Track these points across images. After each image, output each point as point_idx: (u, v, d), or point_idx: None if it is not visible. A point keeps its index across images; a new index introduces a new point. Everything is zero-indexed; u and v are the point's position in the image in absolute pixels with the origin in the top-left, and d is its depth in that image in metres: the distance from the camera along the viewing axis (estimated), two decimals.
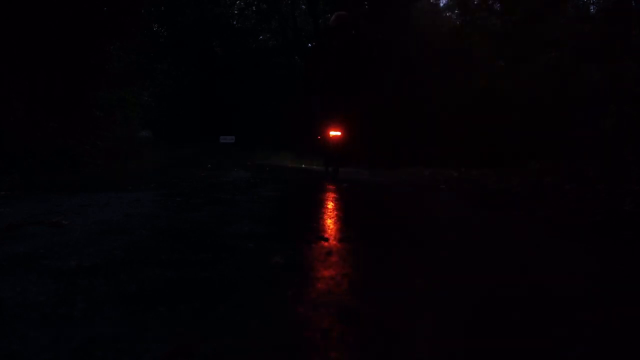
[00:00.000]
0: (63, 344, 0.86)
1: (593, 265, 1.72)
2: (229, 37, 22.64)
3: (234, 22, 24.52)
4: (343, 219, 2.62)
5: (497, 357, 0.90)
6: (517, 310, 1.15)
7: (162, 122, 25.79)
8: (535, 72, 11.13)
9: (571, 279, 1.51)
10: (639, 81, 6.45)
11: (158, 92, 26.31)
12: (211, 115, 23.95)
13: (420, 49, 17.25)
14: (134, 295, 1.15)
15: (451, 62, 15.39)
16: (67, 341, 0.87)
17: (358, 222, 2.74)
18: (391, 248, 1.92)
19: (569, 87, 9.36)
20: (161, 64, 23.94)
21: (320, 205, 3.31)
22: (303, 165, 12.34)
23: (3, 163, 5.26)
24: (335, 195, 4.03)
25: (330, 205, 3.31)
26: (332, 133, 5.63)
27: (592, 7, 11.52)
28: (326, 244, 1.86)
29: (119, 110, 10.48)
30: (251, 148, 17.72)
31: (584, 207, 3.00)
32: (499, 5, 13.56)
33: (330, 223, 2.45)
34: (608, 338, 1.00)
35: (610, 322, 1.09)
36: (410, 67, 17.21)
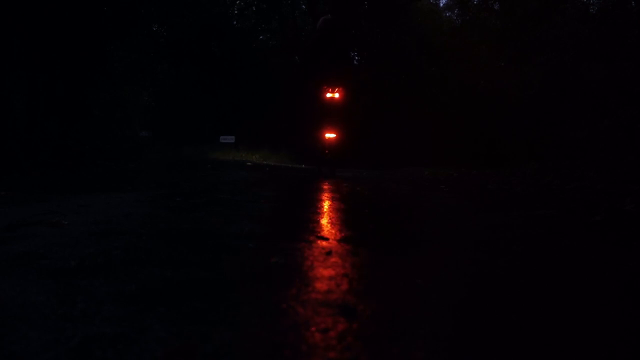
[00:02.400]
0: (63, 344, 0.86)
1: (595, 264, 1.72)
2: (229, 37, 22.61)
3: (234, 22, 24.48)
4: (343, 219, 2.62)
5: None
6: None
7: (162, 122, 25.76)
8: (535, 72, 11.13)
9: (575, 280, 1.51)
10: (638, 81, 6.46)
11: (158, 92, 26.30)
12: (211, 115, 23.94)
13: (419, 49, 17.23)
14: (134, 295, 1.15)
15: (451, 62, 15.37)
16: (67, 341, 0.87)
17: (358, 222, 2.74)
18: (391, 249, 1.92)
19: (568, 87, 9.37)
20: (161, 64, 23.93)
21: (320, 206, 3.31)
22: (303, 165, 12.34)
23: (3, 163, 5.26)
24: (335, 195, 4.03)
25: (330, 205, 3.31)
26: (328, 135, 5.86)
27: (591, 8, 11.52)
28: (326, 243, 1.86)
29: (119, 110, 10.49)
30: (251, 148, 17.70)
31: (584, 207, 3.01)
32: (498, 5, 13.55)
33: (329, 223, 2.45)
34: None
35: None
36: (410, 68, 17.19)
